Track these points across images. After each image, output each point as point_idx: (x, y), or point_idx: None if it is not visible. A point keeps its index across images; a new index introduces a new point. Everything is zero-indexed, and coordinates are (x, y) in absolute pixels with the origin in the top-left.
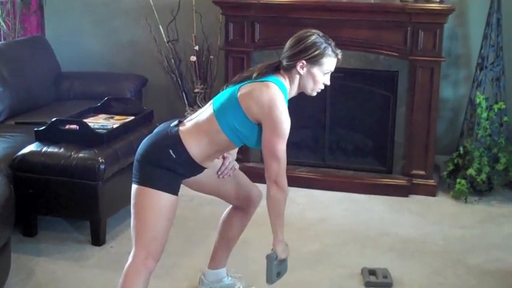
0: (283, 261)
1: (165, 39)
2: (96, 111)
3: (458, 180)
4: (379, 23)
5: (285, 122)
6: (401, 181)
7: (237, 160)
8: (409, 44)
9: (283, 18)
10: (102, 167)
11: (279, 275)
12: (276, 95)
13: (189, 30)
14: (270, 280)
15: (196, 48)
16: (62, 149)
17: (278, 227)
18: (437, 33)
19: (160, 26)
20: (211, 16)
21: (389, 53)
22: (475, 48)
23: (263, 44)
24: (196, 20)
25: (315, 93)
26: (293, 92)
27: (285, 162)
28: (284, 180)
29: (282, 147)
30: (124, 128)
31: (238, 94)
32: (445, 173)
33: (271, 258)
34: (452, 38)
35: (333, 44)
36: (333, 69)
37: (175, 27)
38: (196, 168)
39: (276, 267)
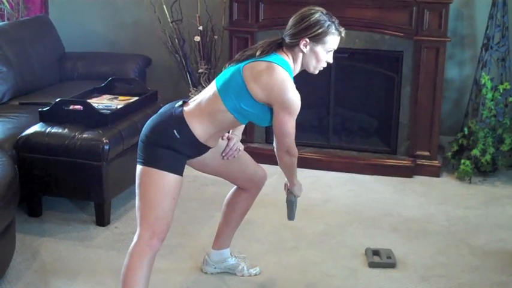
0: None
1: (169, 19)
2: (100, 92)
3: (462, 161)
4: (384, 3)
5: (295, 101)
6: (405, 162)
7: (241, 141)
8: (414, 24)
9: None
10: (106, 147)
11: (296, 208)
12: (283, 77)
13: (193, 10)
14: (292, 217)
15: (201, 28)
16: (66, 130)
17: (293, 176)
18: (443, 13)
19: (164, 6)
20: None
21: (394, 33)
22: (481, 29)
23: (267, 24)
24: (200, 0)
25: (317, 71)
26: (296, 70)
27: (294, 133)
28: (295, 148)
29: (292, 124)
30: (128, 109)
31: (245, 77)
32: (449, 153)
33: (291, 201)
34: (457, 18)
35: (336, 21)
36: (336, 47)
37: (180, 7)
38: (200, 148)
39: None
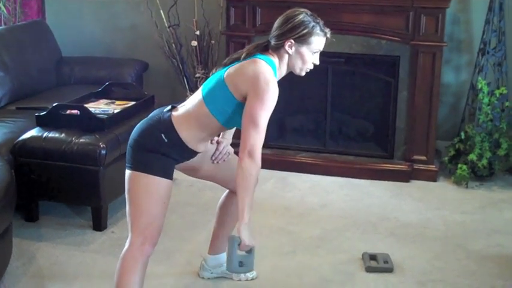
0: (249, 253)
1: (166, 24)
2: (97, 96)
3: (459, 165)
4: (381, 8)
5: (272, 92)
6: (402, 166)
7: (239, 145)
8: (411, 29)
9: (285, 2)
10: (103, 152)
11: (242, 265)
12: (264, 67)
13: (190, 15)
14: (230, 266)
15: (198, 33)
16: (63, 134)
17: (245, 205)
18: (440, 18)
19: (161, 11)
20: (212, 1)
21: (391, 37)
22: (477, 33)
23: (264, 28)
24: (197, 4)
25: (303, 73)
26: (282, 71)
27: (264, 135)
28: (259, 154)
29: (264, 116)
30: (125, 113)
31: (226, 76)
32: (446, 158)
33: (233, 241)
34: (454, 23)
35: (321, 22)
36: (321, 48)
37: (177, 12)
38: (188, 152)
39: (240, 255)
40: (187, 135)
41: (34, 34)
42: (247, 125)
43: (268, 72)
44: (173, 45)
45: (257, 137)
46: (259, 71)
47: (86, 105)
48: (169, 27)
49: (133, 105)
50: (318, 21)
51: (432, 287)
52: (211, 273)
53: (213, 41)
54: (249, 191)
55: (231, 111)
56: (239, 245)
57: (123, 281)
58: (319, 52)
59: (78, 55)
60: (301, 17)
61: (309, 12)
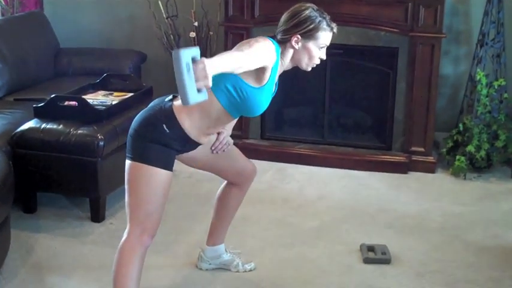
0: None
1: (164, 15)
2: (95, 88)
3: (457, 157)
4: None
5: (267, 47)
6: (400, 158)
7: (237, 137)
8: (410, 20)
9: None
10: (101, 143)
11: (188, 70)
12: (267, 40)
13: (189, 6)
14: (178, 51)
15: (196, 24)
16: (61, 126)
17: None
18: (438, 9)
19: (159, 2)
20: None
21: (390, 29)
22: (476, 25)
23: (263, 20)
24: None
25: (310, 68)
26: (285, 62)
27: (253, 61)
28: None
29: (257, 46)
30: (123, 105)
31: None
32: (444, 149)
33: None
34: (453, 14)
35: (328, 17)
36: (328, 43)
37: (175, 3)
38: (190, 143)
39: (190, 59)
40: (189, 125)
41: (32, 25)
42: (238, 45)
43: (269, 42)
44: (171, 36)
45: (247, 51)
46: (261, 38)
47: (84, 97)
48: (167, 18)
49: (132, 96)
50: (324, 16)
51: (430, 278)
52: (210, 264)
53: (211, 32)
54: (227, 56)
55: (234, 92)
56: (196, 62)
57: (121, 272)
58: (325, 47)
59: (76, 46)
60: (307, 12)
61: (315, 7)
